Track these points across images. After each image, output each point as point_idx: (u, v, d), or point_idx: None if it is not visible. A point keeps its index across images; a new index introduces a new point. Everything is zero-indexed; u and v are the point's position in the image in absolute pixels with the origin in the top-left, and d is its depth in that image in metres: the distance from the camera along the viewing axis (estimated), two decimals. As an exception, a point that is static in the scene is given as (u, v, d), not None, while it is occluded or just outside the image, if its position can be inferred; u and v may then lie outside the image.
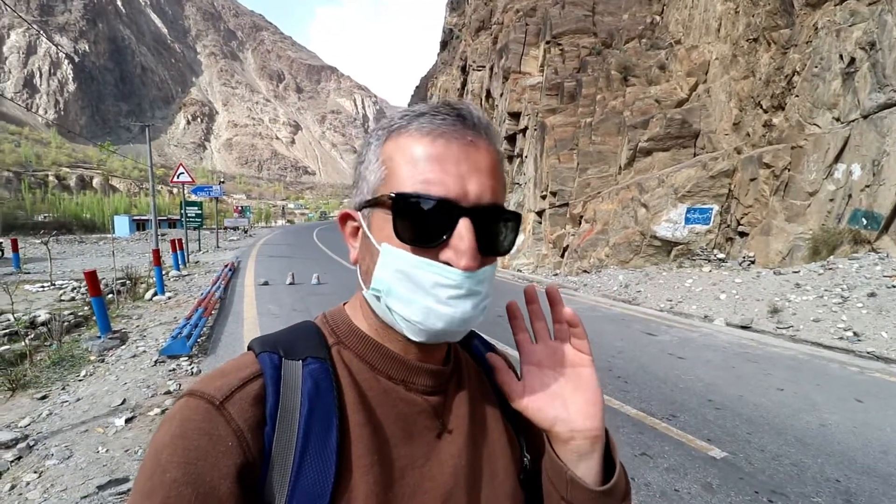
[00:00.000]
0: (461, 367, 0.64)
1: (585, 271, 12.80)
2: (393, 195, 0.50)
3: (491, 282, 0.55)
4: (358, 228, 0.58)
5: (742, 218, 10.82)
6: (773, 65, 10.94)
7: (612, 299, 9.93)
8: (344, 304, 0.63)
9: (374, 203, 0.53)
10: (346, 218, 0.59)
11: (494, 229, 0.52)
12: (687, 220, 11.47)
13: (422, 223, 0.49)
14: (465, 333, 0.55)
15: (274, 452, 0.48)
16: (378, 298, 0.53)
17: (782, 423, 3.88)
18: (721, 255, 10.98)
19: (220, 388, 0.49)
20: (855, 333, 6.27)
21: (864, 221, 8.40)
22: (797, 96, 9.98)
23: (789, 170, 9.73)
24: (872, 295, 6.94)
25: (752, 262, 10.12)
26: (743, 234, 10.86)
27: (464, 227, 0.49)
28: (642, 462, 3.24)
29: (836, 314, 6.86)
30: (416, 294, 0.50)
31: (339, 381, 0.54)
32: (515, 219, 0.54)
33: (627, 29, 17.34)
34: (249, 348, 0.56)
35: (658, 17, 17.48)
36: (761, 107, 11.23)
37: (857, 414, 4.09)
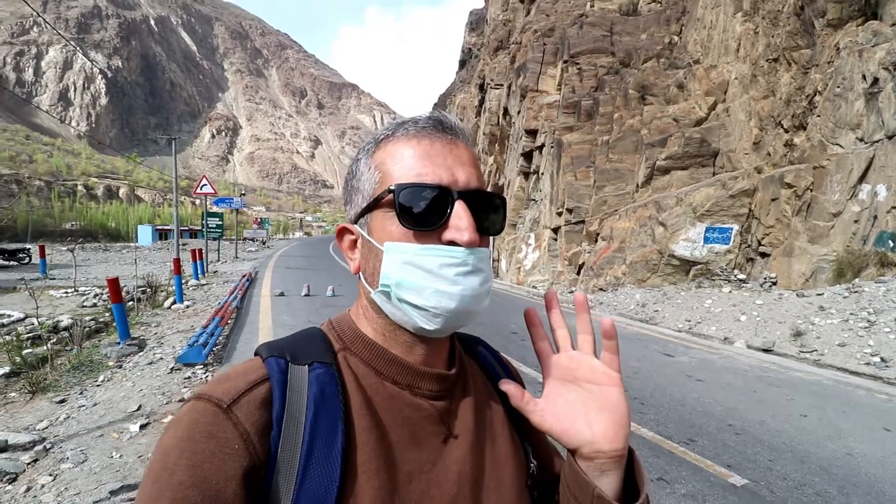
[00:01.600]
0: (466, 373, 0.65)
1: (601, 289, 12.64)
2: (393, 187, 0.53)
3: (489, 265, 0.57)
4: (356, 241, 0.60)
5: (763, 238, 10.60)
6: (794, 84, 10.82)
7: (629, 318, 9.76)
8: (349, 310, 0.64)
9: (372, 206, 0.56)
10: (343, 232, 0.61)
11: (485, 210, 0.56)
12: (706, 240, 11.29)
13: (422, 209, 0.53)
14: (477, 315, 0.56)
15: (280, 456, 0.49)
16: (388, 295, 0.54)
17: (806, 450, 3.74)
18: (741, 276, 10.74)
19: (228, 391, 0.50)
20: (882, 359, 6.04)
21: (891, 244, 8.16)
22: (819, 116, 9.83)
23: (812, 190, 9.54)
24: (901, 320, 6.69)
25: (774, 284, 9.88)
26: (764, 255, 10.63)
27: (461, 207, 0.53)
28: (659, 487, 3.14)
29: (862, 339, 6.62)
30: (426, 279, 0.52)
31: (345, 385, 0.55)
32: (502, 201, 0.59)
33: (645, 49, 17.39)
34: (256, 353, 0.57)
35: (676, 38, 17.50)
36: (782, 126, 11.08)
37: (885, 443, 3.91)
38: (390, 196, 0.53)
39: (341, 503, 0.49)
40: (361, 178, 0.58)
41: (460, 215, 0.53)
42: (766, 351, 7.05)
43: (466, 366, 0.66)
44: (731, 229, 11.13)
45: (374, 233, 0.56)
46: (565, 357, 0.58)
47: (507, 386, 0.60)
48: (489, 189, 0.58)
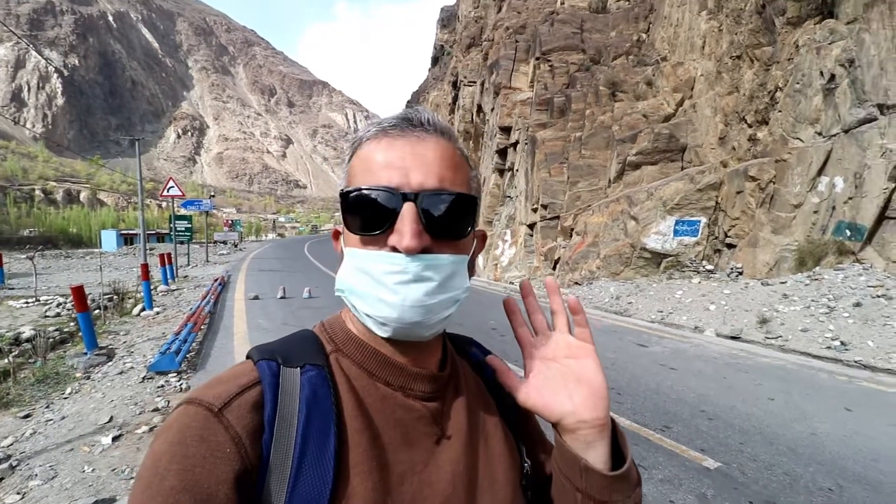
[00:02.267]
0: (458, 374, 0.65)
1: (577, 283, 12.86)
2: (342, 191, 0.55)
3: (453, 273, 0.55)
4: None
5: (730, 230, 10.99)
6: (757, 81, 11.23)
7: (604, 311, 9.97)
8: (341, 311, 0.65)
9: (341, 210, 0.57)
10: (337, 234, 0.62)
11: (444, 213, 0.53)
12: (676, 233, 11.62)
13: (367, 213, 0.53)
14: (433, 328, 0.55)
15: (272, 459, 0.49)
16: (344, 299, 0.57)
17: (774, 432, 3.91)
18: (710, 267, 11.12)
19: (219, 395, 0.50)
20: (842, 343, 6.36)
21: (848, 233, 8.58)
22: (780, 111, 10.24)
23: (774, 182, 9.94)
24: (858, 305, 7.06)
25: (741, 274, 10.26)
26: (731, 246, 11.02)
27: (405, 210, 0.51)
28: (637, 474, 3.23)
29: (823, 324, 6.96)
30: (370, 286, 0.53)
31: (337, 387, 0.55)
32: (466, 201, 0.55)
33: (615, 46, 17.72)
34: (248, 357, 0.57)
35: (644, 35, 17.90)
36: (746, 121, 11.50)
37: (847, 423, 4.13)
38: (343, 202, 0.55)
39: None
40: (340, 184, 0.59)
41: (403, 219, 0.51)
42: (734, 338, 7.32)
43: (458, 366, 0.66)
44: (700, 222, 11.50)
45: (343, 236, 0.58)
46: (543, 338, 0.60)
47: (494, 361, 0.63)
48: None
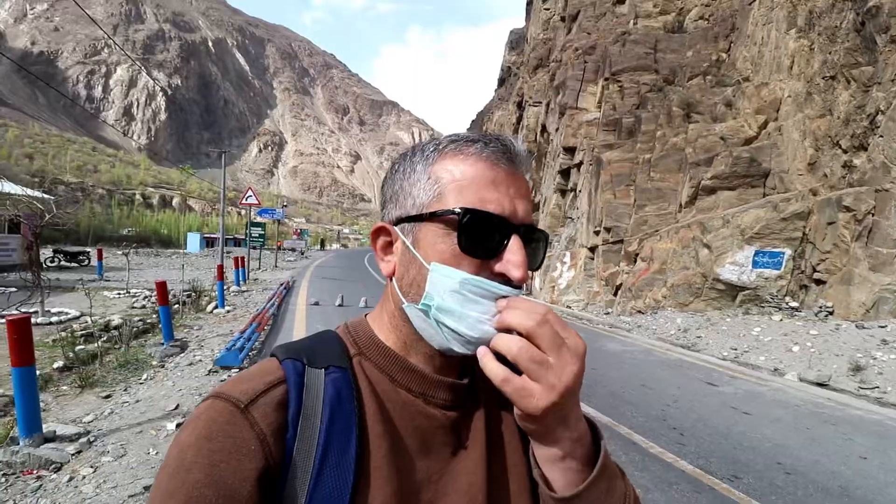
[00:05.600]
0: (478, 383, 0.63)
1: (640, 312, 12.19)
2: (459, 210, 0.52)
3: None
4: (391, 242, 0.59)
5: (818, 264, 9.97)
6: (854, 103, 10.23)
7: (670, 343, 9.34)
8: (366, 315, 0.64)
9: (423, 218, 0.55)
10: (380, 232, 0.60)
11: (533, 247, 0.56)
12: (755, 264, 10.72)
13: (482, 237, 0.52)
14: None
15: (295, 458, 0.49)
16: (426, 313, 0.53)
17: (865, 496, 3.42)
18: (794, 304, 10.11)
19: (246, 391, 0.51)
20: (958, 402, 5.49)
21: (967, 275, 7.48)
22: (881, 136, 9.24)
23: (873, 214, 8.92)
24: (979, 359, 6.09)
25: (831, 313, 9.23)
26: (819, 282, 9.97)
27: (516, 243, 0.53)
28: (698, 524, 2.94)
29: (933, 378, 6.06)
30: (470, 308, 0.51)
31: (360, 391, 0.55)
32: (546, 238, 0.60)
33: (691, 66, 16.95)
34: (272, 355, 0.57)
35: (724, 55, 16.98)
36: (840, 147, 10.47)
37: (962, 496, 3.52)
38: (453, 217, 0.53)
39: None
40: (417, 183, 0.56)
41: (515, 251, 0.53)
42: (820, 385, 6.56)
43: (478, 376, 0.64)
44: (783, 254, 10.53)
45: (420, 244, 0.55)
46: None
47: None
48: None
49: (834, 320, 8.92)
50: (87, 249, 24.62)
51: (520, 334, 0.48)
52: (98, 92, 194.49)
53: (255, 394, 0.50)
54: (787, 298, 10.33)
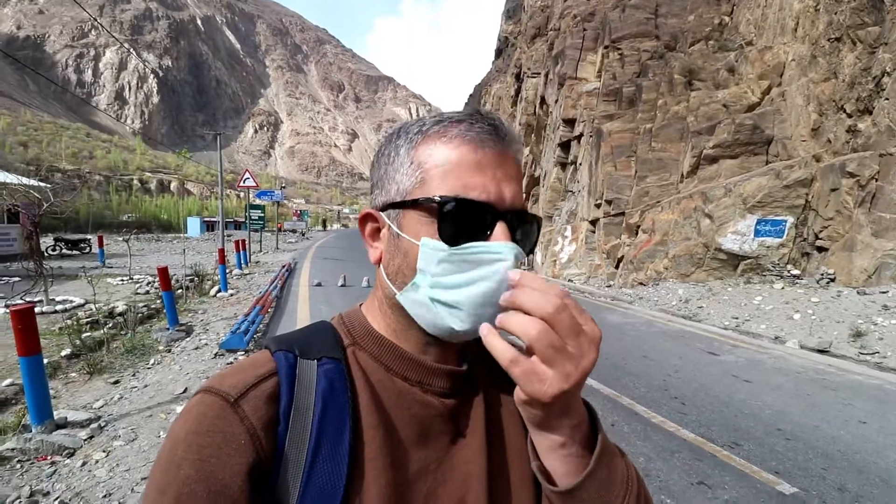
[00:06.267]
0: (477, 370, 0.62)
1: (641, 283, 12.22)
2: (438, 198, 0.51)
3: None
4: (379, 229, 0.58)
5: (821, 231, 9.92)
6: (859, 65, 9.99)
7: (671, 314, 9.40)
8: (360, 304, 0.63)
9: (407, 205, 0.53)
10: (367, 218, 0.59)
11: (523, 231, 0.54)
12: (757, 233, 10.68)
13: (464, 225, 0.51)
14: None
15: (287, 451, 0.49)
16: (418, 292, 0.53)
17: (864, 459, 3.48)
18: (796, 272, 10.11)
19: (235, 385, 0.50)
20: (957, 364, 5.55)
21: (971, 238, 7.44)
22: (887, 99, 9.05)
23: (877, 179, 8.82)
24: (980, 322, 6.12)
25: (832, 280, 9.24)
26: (822, 250, 9.95)
27: (500, 230, 0.51)
28: (699, 492, 3.00)
29: (933, 341, 6.10)
30: (464, 277, 0.51)
31: (354, 381, 0.54)
32: (539, 222, 0.57)
33: (693, 31, 16.51)
34: (265, 346, 0.56)
35: (727, 18, 16.52)
36: (845, 111, 10.27)
37: (959, 456, 3.59)
38: (434, 205, 0.51)
39: (348, 500, 0.48)
40: (400, 169, 0.55)
41: (499, 238, 0.51)
42: (821, 352, 6.61)
43: (477, 362, 0.63)
44: (785, 222, 10.48)
45: (404, 232, 0.54)
46: None
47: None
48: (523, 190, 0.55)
49: (835, 287, 8.94)
50: (88, 237, 24.65)
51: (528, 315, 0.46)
52: (88, 76, 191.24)
53: (245, 387, 0.50)
54: (789, 266, 10.33)
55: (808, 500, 2.93)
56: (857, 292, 8.09)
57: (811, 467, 3.34)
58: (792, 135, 12.01)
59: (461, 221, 0.51)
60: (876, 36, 9.78)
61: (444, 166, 0.52)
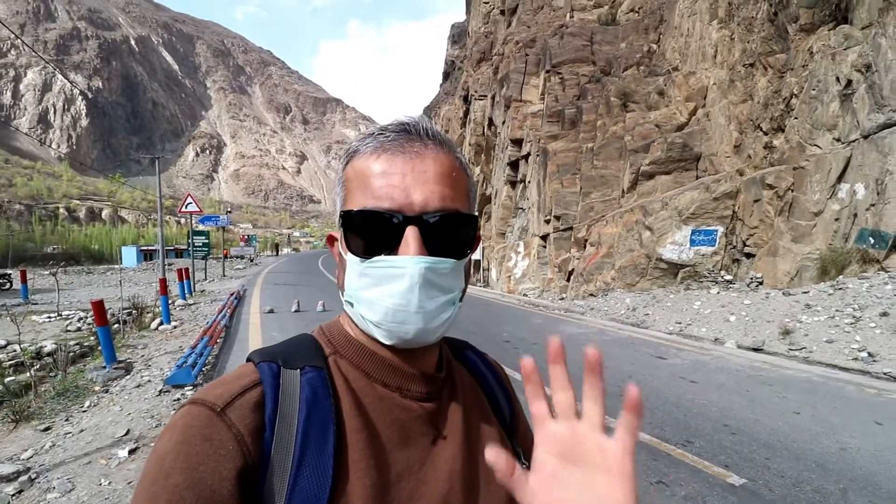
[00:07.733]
0: (454, 376, 0.66)
1: (592, 295, 12.71)
2: (342, 212, 0.55)
3: (453, 281, 0.56)
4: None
5: (748, 239, 10.79)
6: (771, 88, 11.12)
7: (620, 323, 9.81)
8: (339, 316, 0.66)
9: (340, 222, 0.57)
10: (331, 238, 0.63)
11: (446, 233, 0.54)
12: (692, 242, 11.45)
13: (371, 236, 0.53)
14: (436, 332, 0.55)
15: (273, 457, 0.50)
16: (351, 305, 0.57)
17: (801, 447, 3.77)
18: (728, 277, 10.90)
19: (221, 395, 0.51)
20: (870, 354, 6.15)
21: (872, 241, 8.35)
22: (796, 118, 10.10)
23: (793, 190, 9.75)
24: (885, 314, 6.83)
25: (761, 283, 10.03)
26: (749, 256, 10.80)
27: (409, 234, 0.52)
28: (658, 490, 3.13)
29: (849, 335, 6.74)
30: (374, 292, 0.54)
31: (336, 388, 0.56)
32: (467, 220, 0.56)
33: (625, 57, 17.76)
34: (249, 359, 0.58)
35: (655, 46, 17.91)
36: (761, 129, 11.35)
37: (877, 437, 3.96)
38: (341, 220, 0.55)
39: (334, 501, 0.50)
40: (336, 187, 0.60)
41: (408, 243, 0.52)
42: (756, 350, 7.13)
43: (455, 369, 0.67)
44: (717, 231, 11.31)
45: (343, 246, 0.58)
46: (566, 427, 0.45)
47: (493, 455, 0.45)
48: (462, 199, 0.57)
49: (764, 290, 9.70)
50: (9, 271, 22.54)
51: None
52: (7, 98, 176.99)
53: (230, 397, 0.51)
54: (722, 272, 11.11)
55: (755, 489, 3.14)
56: (783, 293, 8.82)
57: (756, 458, 3.58)
58: (717, 151, 13.08)
59: (368, 232, 0.53)
60: (784, 62, 10.94)
61: (356, 180, 0.55)
